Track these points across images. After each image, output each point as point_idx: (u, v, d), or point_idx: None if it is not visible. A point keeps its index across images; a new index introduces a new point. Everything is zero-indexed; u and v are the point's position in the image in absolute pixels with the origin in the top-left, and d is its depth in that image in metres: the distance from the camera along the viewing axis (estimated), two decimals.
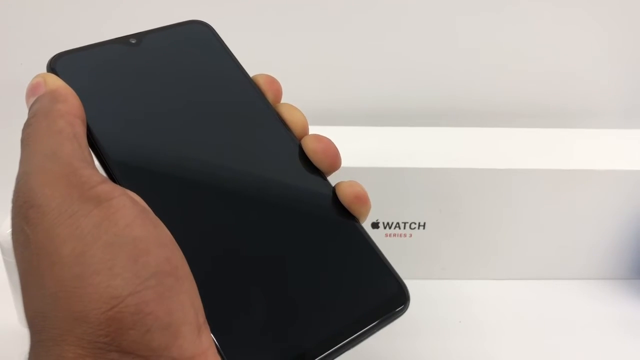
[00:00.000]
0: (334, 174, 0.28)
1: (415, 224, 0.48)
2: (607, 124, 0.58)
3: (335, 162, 0.27)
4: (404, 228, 0.48)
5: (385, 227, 0.48)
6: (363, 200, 0.26)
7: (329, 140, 0.28)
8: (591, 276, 0.51)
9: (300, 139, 0.28)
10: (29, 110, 0.24)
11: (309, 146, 0.27)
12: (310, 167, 0.27)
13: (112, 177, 0.24)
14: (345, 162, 0.45)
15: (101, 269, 0.19)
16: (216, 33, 0.30)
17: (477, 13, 0.52)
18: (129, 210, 0.20)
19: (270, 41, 0.53)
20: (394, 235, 0.48)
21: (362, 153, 0.46)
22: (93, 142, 0.24)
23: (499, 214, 0.47)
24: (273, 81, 0.29)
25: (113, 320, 0.18)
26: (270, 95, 0.29)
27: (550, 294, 0.49)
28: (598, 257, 0.50)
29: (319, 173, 0.27)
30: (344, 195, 0.26)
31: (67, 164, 0.21)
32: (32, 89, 0.24)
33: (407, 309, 0.24)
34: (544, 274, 0.50)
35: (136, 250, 0.19)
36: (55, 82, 0.24)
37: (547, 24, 0.53)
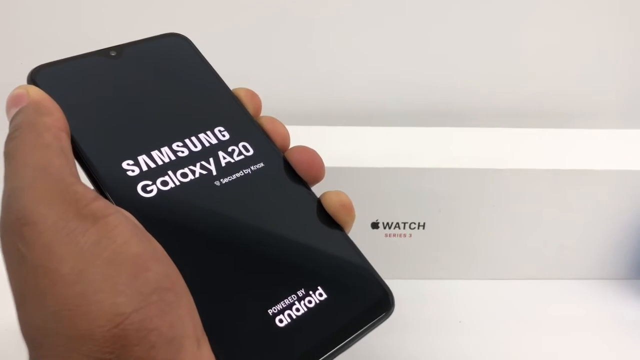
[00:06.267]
0: (323, 181, 0.28)
1: (415, 224, 0.48)
2: (607, 124, 0.58)
3: (319, 173, 0.28)
4: (404, 228, 0.48)
5: (385, 227, 0.48)
6: (348, 208, 0.27)
7: (315, 152, 0.28)
8: (591, 276, 0.51)
9: (282, 150, 0.28)
10: (11, 121, 0.23)
11: (294, 157, 0.28)
12: (295, 177, 0.28)
13: (99, 189, 0.24)
14: (345, 162, 0.46)
15: (103, 287, 0.19)
16: (194, 46, 0.30)
17: (477, 12, 0.52)
18: (125, 227, 0.20)
19: (268, 43, 0.53)
20: (394, 235, 0.48)
21: (362, 153, 0.46)
22: (78, 156, 0.24)
23: (498, 214, 0.47)
24: (253, 94, 0.29)
25: (118, 337, 0.18)
26: (250, 109, 0.29)
27: (550, 294, 0.49)
28: (598, 257, 0.50)
29: (303, 183, 0.28)
30: (330, 204, 0.27)
31: (60, 180, 0.21)
32: (13, 100, 0.24)
33: (390, 315, 0.25)
34: (543, 274, 0.51)
35: (136, 267, 0.19)
36: (39, 93, 0.24)
37: (547, 24, 0.53)
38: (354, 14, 0.52)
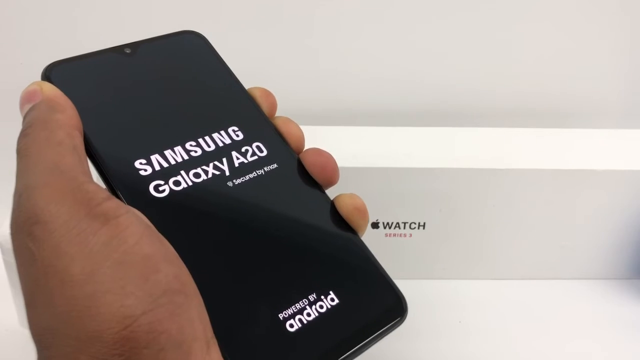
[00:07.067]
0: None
1: (415, 224, 0.48)
2: (607, 124, 0.58)
3: (333, 176, 0.27)
4: (404, 228, 0.48)
5: (385, 227, 0.48)
6: (362, 212, 0.27)
7: (329, 155, 0.28)
8: (591, 276, 0.51)
9: (297, 152, 0.28)
10: (24, 118, 0.23)
11: (308, 159, 0.27)
12: (308, 180, 0.27)
13: (111, 188, 0.24)
14: (345, 162, 0.46)
15: (113, 288, 0.18)
16: (210, 43, 0.30)
17: (477, 12, 0.52)
18: (137, 227, 0.20)
19: (270, 44, 0.53)
20: (394, 235, 0.48)
21: (362, 153, 0.46)
22: (90, 154, 0.24)
23: (498, 214, 0.47)
24: (268, 94, 0.29)
25: (127, 339, 0.18)
26: (265, 108, 0.29)
27: (550, 294, 0.49)
28: (598, 257, 0.50)
29: (317, 186, 0.27)
30: (344, 207, 0.26)
31: (72, 178, 0.20)
32: (27, 96, 0.23)
33: (404, 320, 0.24)
34: (544, 274, 0.51)
35: (146, 269, 0.19)
36: (52, 90, 0.24)
37: (547, 24, 0.53)
38: (355, 14, 0.52)
